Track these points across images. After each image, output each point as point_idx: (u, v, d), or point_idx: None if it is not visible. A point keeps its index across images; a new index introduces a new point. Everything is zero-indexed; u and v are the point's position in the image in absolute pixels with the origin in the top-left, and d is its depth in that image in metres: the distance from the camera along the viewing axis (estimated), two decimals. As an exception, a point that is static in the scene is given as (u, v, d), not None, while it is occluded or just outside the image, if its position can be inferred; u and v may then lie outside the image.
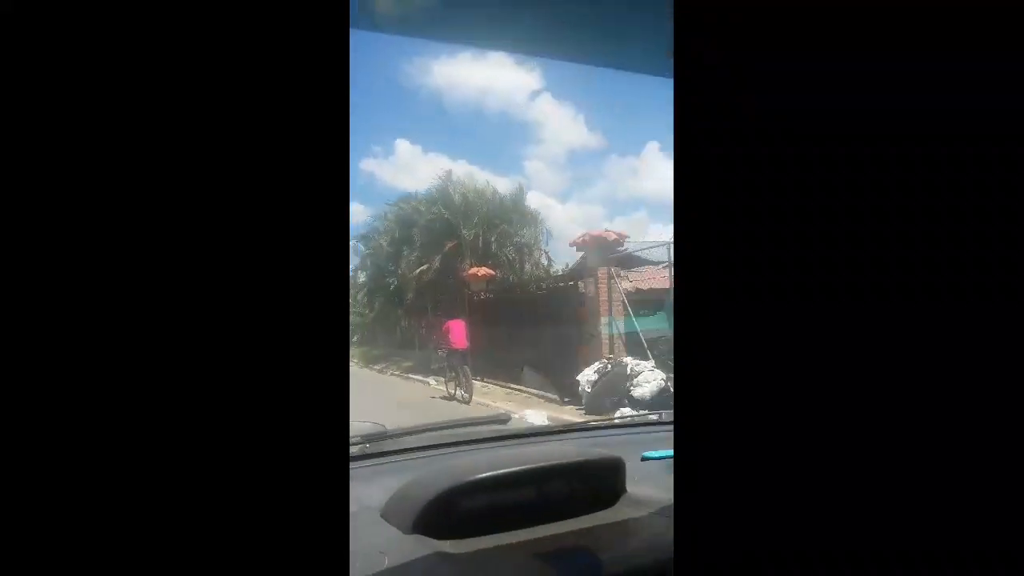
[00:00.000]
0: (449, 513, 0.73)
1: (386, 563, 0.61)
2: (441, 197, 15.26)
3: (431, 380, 11.35)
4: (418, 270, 15.54)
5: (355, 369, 18.40)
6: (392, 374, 15.41)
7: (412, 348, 17.78)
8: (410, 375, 13.98)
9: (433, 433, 1.33)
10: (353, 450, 1.12)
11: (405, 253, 16.53)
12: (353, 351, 25.64)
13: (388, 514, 0.78)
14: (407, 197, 17.54)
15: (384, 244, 18.25)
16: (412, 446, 1.20)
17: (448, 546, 0.67)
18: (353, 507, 0.70)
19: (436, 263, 14.81)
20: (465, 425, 1.49)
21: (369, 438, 1.18)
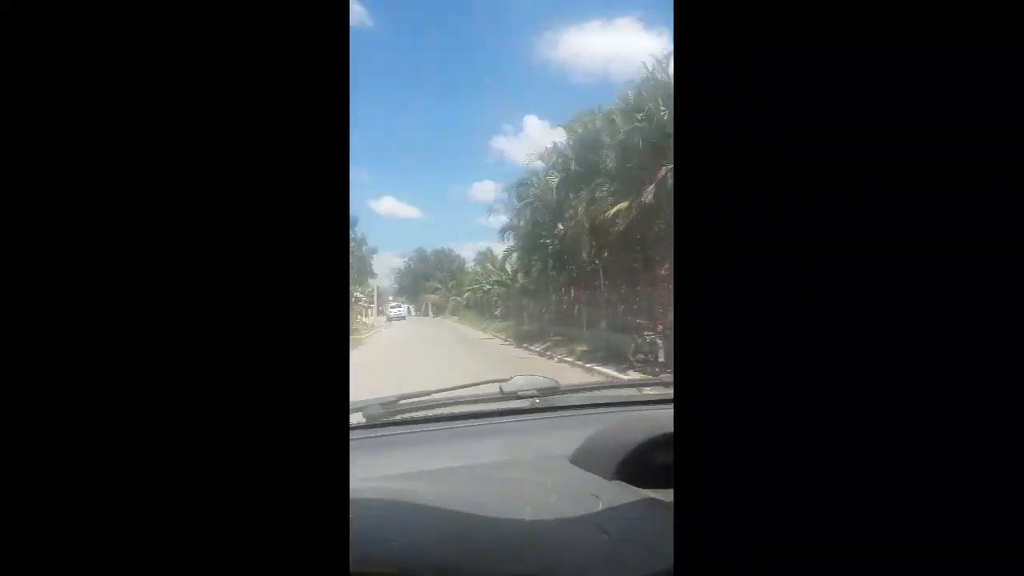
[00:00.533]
0: (647, 464, 0.75)
1: (600, 505, 0.65)
2: (638, 104, 9.82)
3: (628, 376, 6.72)
4: (608, 213, 10.54)
5: (507, 349, 14.85)
6: (561, 360, 10.78)
7: (579, 327, 13.09)
8: (594, 366, 9.23)
9: (597, 392, 1.55)
10: (523, 403, 1.24)
11: (581, 194, 11.66)
12: (496, 327, 22.50)
13: (581, 461, 0.81)
14: (585, 114, 12.39)
15: (550, 185, 13.56)
16: (580, 403, 1.31)
17: (652, 494, 0.68)
18: (533, 454, 0.95)
19: (636, 202, 9.63)
20: (629, 386, 1.77)
21: (544, 392, 1.28)
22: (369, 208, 62.91)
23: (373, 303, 43.60)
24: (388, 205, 63.97)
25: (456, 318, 35.00)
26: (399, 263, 54.93)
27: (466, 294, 34.64)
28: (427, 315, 44.00)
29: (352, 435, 0.95)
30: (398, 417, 1.14)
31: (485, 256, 42.42)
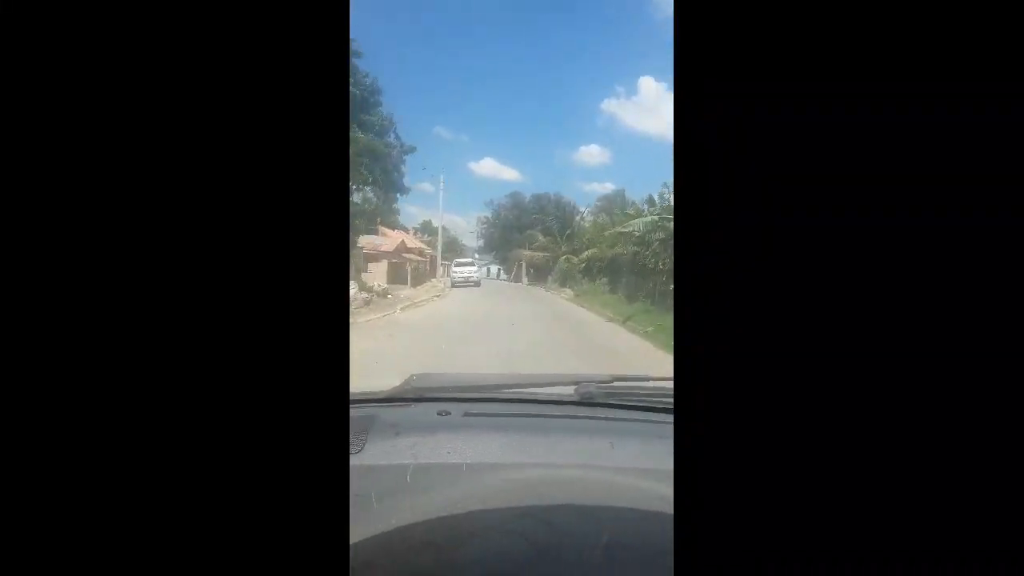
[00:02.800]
0: None
1: None
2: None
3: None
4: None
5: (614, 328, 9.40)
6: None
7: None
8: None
9: None
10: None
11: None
12: (599, 301, 14.01)
13: None
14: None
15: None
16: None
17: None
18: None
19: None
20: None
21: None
22: (468, 169, 60.80)
23: (436, 262, 28.49)
24: (488, 167, 62.05)
25: (569, 291, 18.75)
26: (486, 213, 39.87)
27: (588, 253, 18.54)
28: (520, 280, 28.40)
29: (558, 410, 1.07)
30: (612, 401, 1.08)
31: (612, 202, 25.65)
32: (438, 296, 16.63)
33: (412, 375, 1.20)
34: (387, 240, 22.85)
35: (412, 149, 15.79)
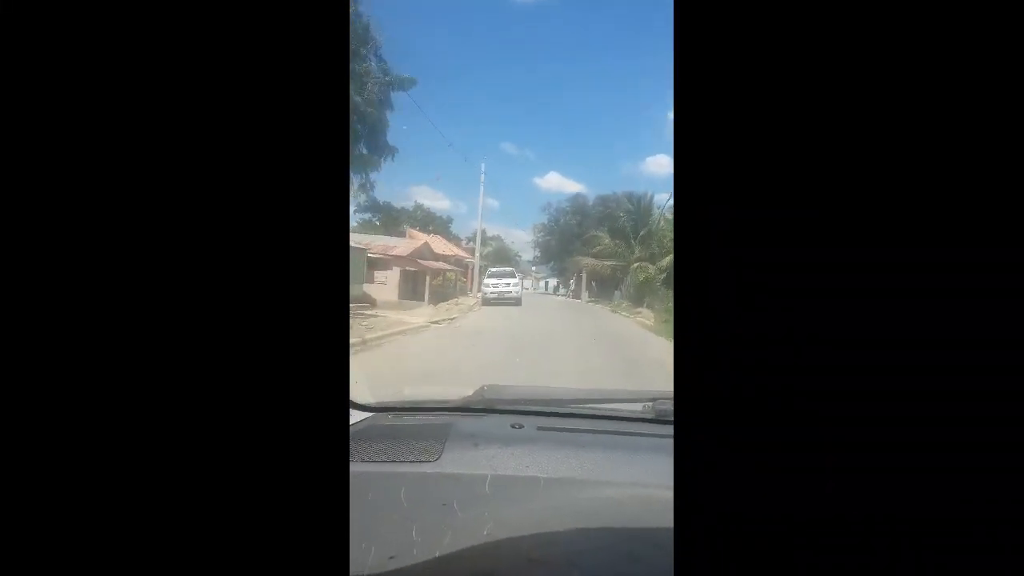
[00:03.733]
0: None
1: None
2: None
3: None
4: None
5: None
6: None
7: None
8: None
9: None
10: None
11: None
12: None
13: None
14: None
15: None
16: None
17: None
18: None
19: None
20: None
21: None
22: (533, 185, 59.56)
23: (473, 274, 23.03)
24: (553, 181, 61.52)
25: (648, 313, 12.72)
26: (542, 218, 34.58)
27: (669, 260, 12.61)
28: (579, 296, 22.56)
29: (633, 427, 1.04)
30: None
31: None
32: (450, 319, 11.18)
33: (483, 386, 1.24)
34: (403, 243, 17.71)
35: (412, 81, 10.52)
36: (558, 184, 64.11)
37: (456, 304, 15.32)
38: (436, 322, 10.91)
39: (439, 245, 21.68)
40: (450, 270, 19.71)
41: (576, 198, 34.47)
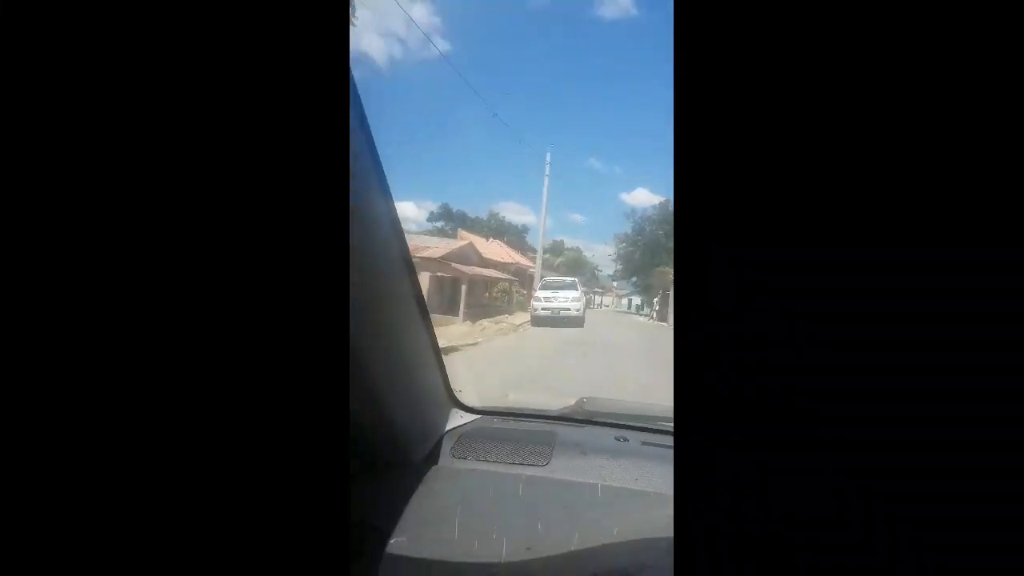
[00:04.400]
0: None
1: None
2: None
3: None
4: None
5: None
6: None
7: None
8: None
9: None
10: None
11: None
12: None
13: None
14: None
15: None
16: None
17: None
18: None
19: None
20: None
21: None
22: (620, 200, 63.24)
23: (533, 285, 19.40)
24: (641, 196, 61.90)
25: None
26: (626, 227, 30.52)
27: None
28: (664, 320, 18.36)
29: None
30: None
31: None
32: (473, 344, 7.78)
33: (583, 397, 1.33)
34: (442, 243, 14.46)
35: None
36: (646, 199, 64.32)
37: (496, 323, 11.80)
38: (455, 347, 7.50)
39: (495, 250, 18.31)
40: (502, 278, 16.24)
41: (664, 205, 30.13)
